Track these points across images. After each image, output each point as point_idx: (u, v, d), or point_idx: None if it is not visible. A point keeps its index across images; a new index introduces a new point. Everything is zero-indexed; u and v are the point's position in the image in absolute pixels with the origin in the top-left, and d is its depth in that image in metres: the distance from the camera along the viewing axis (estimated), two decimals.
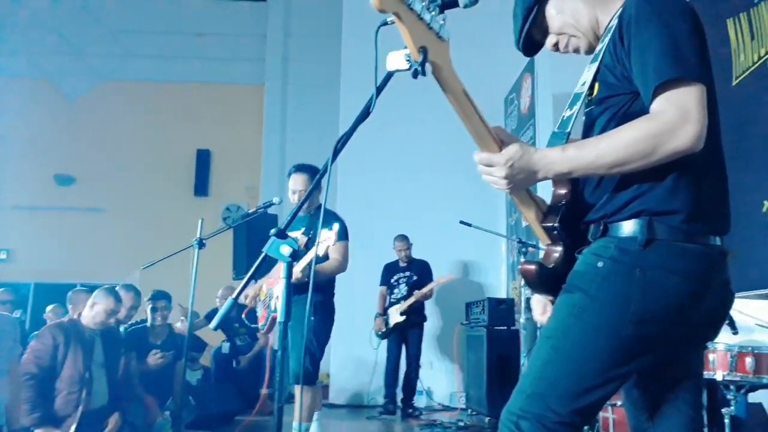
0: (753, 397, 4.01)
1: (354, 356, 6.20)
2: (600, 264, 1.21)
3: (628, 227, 1.21)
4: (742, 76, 4.21)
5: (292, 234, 3.79)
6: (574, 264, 1.29)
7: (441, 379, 6.92)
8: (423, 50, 1.12)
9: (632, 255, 1.19)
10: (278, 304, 3.72)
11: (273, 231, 1.43)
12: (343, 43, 7.00)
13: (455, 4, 1.40)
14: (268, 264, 3.77)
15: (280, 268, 3.93)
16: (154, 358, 4.10)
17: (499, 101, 6.95)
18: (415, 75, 1.13)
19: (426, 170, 6.98)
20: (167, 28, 8.40)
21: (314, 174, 3.65)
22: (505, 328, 5.39)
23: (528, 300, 4.56)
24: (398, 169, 7.02)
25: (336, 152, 1.45)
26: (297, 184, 3.63)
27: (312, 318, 3.49)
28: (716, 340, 2.71)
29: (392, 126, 7.18)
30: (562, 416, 1.17)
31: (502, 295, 6.64)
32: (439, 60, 1.17)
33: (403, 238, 5.84)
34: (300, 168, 3.71)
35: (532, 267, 1.34)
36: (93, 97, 8.18)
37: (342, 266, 3.57)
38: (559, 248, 1.35)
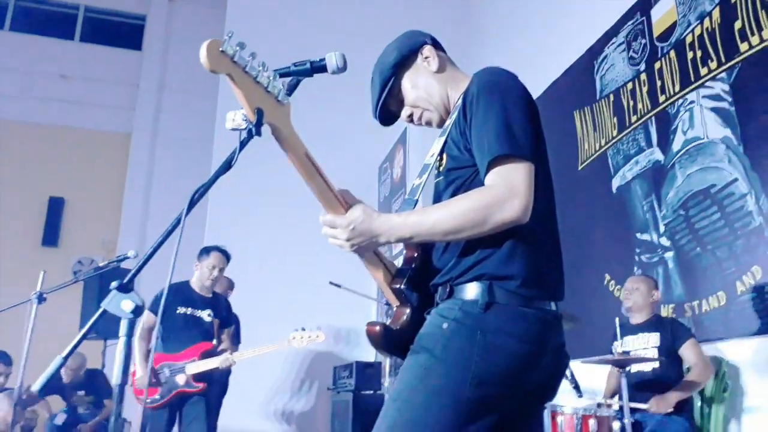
0: None
1: None
2: (445, 325, 1.25)
3: (471, 290, 1.27)
4: (587, 162, 4.68)
5: (200, 313, 4.04)
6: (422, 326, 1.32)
7: None
8: (258, 111, 1.14)
9: (474, 317, 1.24)
10: (181, 380, 3.75)
11: (114, 284, 1.32)
12: (219, 97, 6.93)
13: (323, 70, 1.44)
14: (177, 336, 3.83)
15: (192, 349, 3.92)
16: None
17: (373, 169, 7.16)
18: (250, 135, 1.15)
19: (295, 227, 6.94)
20: (28, 68, 7.84)
21: (229, 258, 4.15)
22: (371, 392, 5.36)
23: (394, 365, 4.59)
24: (267, 227, 6.93)
25: (192, 202, 1.39)
26: (221, 262, 4.04)
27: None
28: (563, 404, 2.88)
29: (262, 178, 7.14)
30: None
31: (371, 359, 6.63)
32: (278, 122, 1.20)
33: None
34: (221, 249, 4.12)
35: (377, 328, 1.36)
36: None
37: None
38: (407, 310, 1.38)
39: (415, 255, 1.42)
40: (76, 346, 1.31)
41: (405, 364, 1.28)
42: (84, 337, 1.33)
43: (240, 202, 7.01)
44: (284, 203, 6.98)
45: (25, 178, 7.36)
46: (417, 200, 1.44)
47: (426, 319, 1.34)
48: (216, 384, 4.05)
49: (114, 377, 1.28)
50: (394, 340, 1.38)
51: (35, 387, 1.25)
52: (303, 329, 3.84)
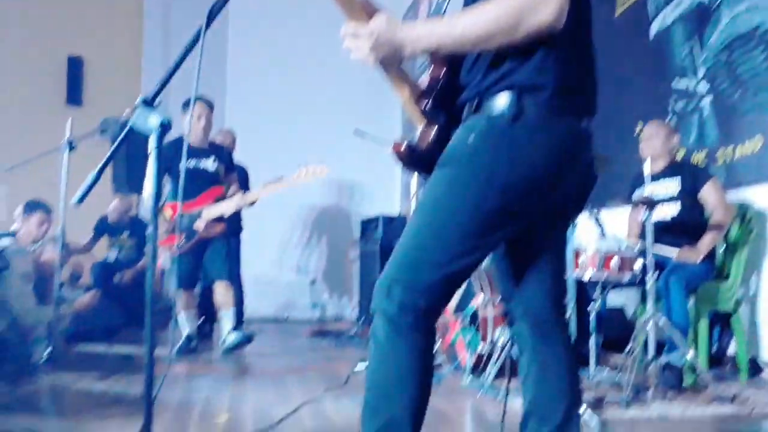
0: (616, 303, 4.41)
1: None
2: (471, 137, 1.23)
3: (498, 102, 1.23)
4: (626, 7, 4.39)
5: (204, 163, 4.13)
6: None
7: (333, 295, 7.07)
8: None
9: (501, 129, 1.21)
10: (200, 225, 3.94)
11: (139, 99, 1.31)
12: None
13: None
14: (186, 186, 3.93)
15: (204, 196, 4.04)
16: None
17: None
18: None
19: (319, 76, 6.84)
20: None
21: (212, 106, 4.21)
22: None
23: None
24: (290, 74, 6.84)
25: (212, 16, 1.33)
26: (203, 110, 4.09)
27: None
28: (586, 244, 2.92)
29: (283, 28, 6.94)
30: (432, 281, 1.20)
31: (396, 212, 6.78)
32: None
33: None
34: (202, 98, 4.14)
35: (402, 146, 1.34)
36: None
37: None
38: (434, 129, 1.36)
39: (442, 73, 1.36)
40: (108, 161, 1.33)
41: (431, 178, 1.28)
42: (115, 152, 1.34)
43: (260, 53, 6.86)
44: (305, 53, 6.82)
45: (42, 38, 7.21)
46: (445, 11, 1.35)
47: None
48: (231, 228, 4.23)
49: (147, 189, 1.30)
50: (420, 159, 1.37)
51: (74, 199, 1.28)
52: (306, 165, 3.87)
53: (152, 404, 1.33)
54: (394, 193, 7.28)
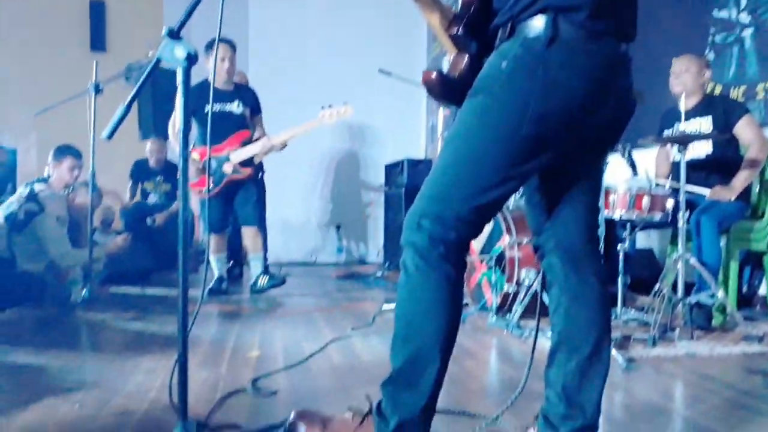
0: (646, 244, 4.37)
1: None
2: (504, 64, 1.18)
3: (533, 25, 1.17)
4: None
5: (230, 106, 4.12)
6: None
7: (358, 240, 7.12)
8: None
9: (535, 53, 1.16)
10: (228, 168, 3.99)
11: (165, 31, 1.28)
12: None
13: None
14: (213, 130, 4.00)
15: (232, 139, 4.07)
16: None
17: None
18: None
19: (343, 16, 6.71)
20: None
21: (234, 48, 4.12)
22: None
23: None
24: (313, 14, 6.71)
25: None
26: (226, 52, 4.01)
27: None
28: (616, 183, 2.87)
29: None
30: (462, 214, 1.18)
31: (420, 155, 6.72)
32: None
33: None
34: (225, 39, 4.07)
35: (433, 74, 1.30)
36: None
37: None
38: (465, 57, 1.31)
39: None
40: (135, 96, 1.32)
41: (462, 107, 1.24)
42: (142, 87, 1.33)
43: None
44: None
45: None
46: None
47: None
48: (257, 171, 4.23)
49: (177, 122, 1.29)
50: (451, 88, 1.33)
51: (103, 134, 1.28)
52: (330, 106, 3.82)
53: (187, 338, 1.36)
54: (419, 136, 7.21)
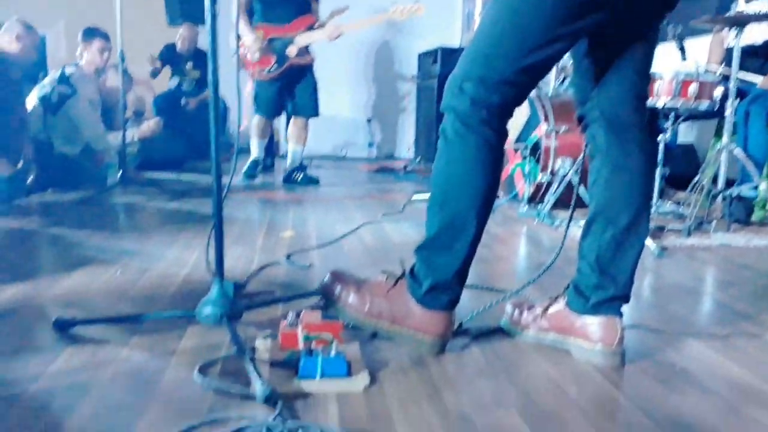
0: (688, 138, 4.22)
1: None
2: None
3: None
4: None
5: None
6: None
7: (389, 133, 7.04)
8: None
9: None
10: (292, 51, 3.88)
11: None
12: None
13: None
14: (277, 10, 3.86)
15: (297, 22, 3.91)
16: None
17: None
18: None
19: None
20: None
21: None
22: None
23: None
24: None
25: None
26: None
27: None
28: (662, 69, 2.71)
29: None
30: (506, 75, 1.13)
31: (456, 44, 6.46)
32: None
33: None
34: None
35: None
36: None
37: None
38: None
39: None
40: None
41: None
42: None
43: None
44: None
45: None
46: None
47: None
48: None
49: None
50: None
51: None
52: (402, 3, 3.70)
53: (221, 211, 1.35)
54: (455, 23, 6.88)
